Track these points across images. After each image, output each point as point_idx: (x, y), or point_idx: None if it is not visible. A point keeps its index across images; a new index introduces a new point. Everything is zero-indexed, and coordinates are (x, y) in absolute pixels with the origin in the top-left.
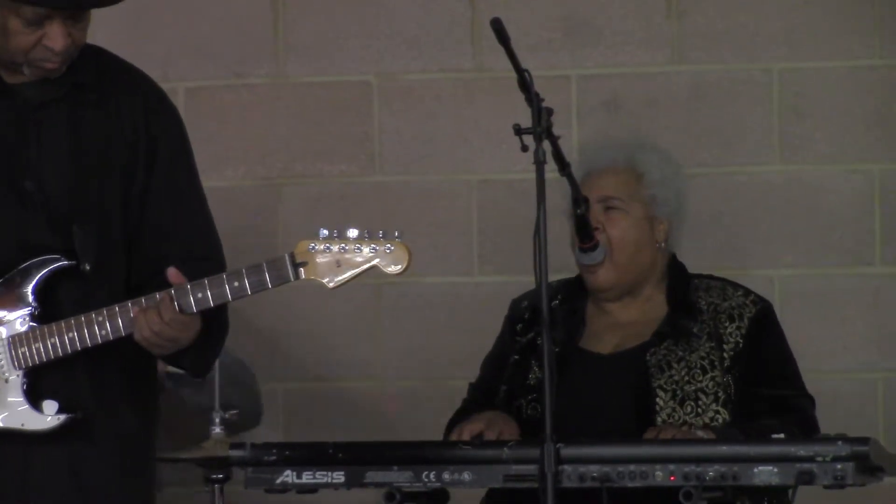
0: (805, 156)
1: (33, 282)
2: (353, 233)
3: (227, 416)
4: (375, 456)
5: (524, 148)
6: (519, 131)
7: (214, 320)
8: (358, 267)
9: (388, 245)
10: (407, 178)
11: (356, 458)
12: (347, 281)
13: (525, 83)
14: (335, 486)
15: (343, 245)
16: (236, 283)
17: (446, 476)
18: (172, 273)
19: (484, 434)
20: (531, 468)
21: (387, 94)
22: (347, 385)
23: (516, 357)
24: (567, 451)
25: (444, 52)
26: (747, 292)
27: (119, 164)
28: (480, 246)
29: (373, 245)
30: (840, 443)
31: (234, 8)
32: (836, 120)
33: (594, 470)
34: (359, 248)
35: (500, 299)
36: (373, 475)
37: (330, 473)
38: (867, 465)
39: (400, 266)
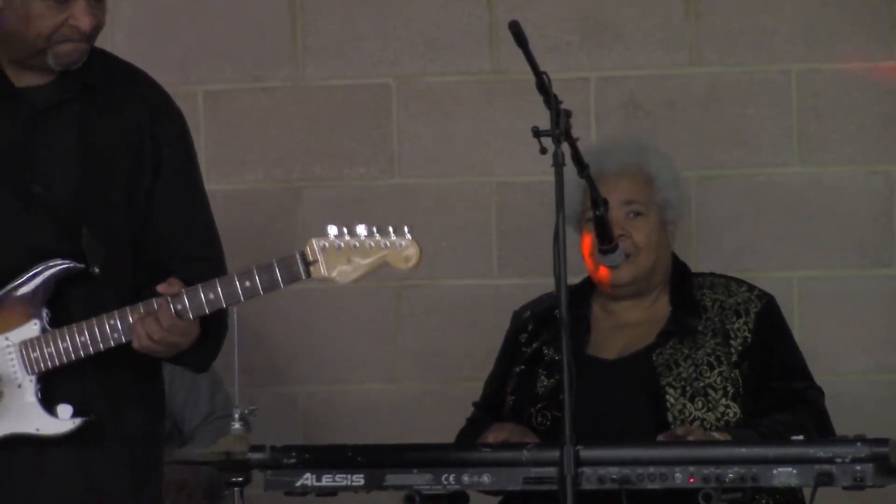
0: (823, 157)
1: (43, 286)
2: (362, 230)
3: (246, 412)
4: (395, 458)
5: (543, 150)
6: (538, 133)
7: (212, 318)
8: (369, 263)
9: (399, 241)
10: (425, 181)
11: (376, 460)
12: (359, 278)
13: (543, 85)
14: (355, 489)
15: (353, 242)
16: (248, 283)
17: (466, 478)
18: (163, 287)
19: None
20: (550, 470)
21: (405, 96)
22: (367, 387)
23: (522, 367)
24: (586, 454)
25: (462, 54)
26: (751, 287)
27: (124, 166)
28: (499, 248)
29: (383, 241)
30: (859, 444)
31: (253, 11)
32: (855, 121)
33: (613, 472)
34: (369, 245)
35: (519, 301)
36: (392, 478)
37: (349, 476)
38: (886, 466)
39: (410, 262)
